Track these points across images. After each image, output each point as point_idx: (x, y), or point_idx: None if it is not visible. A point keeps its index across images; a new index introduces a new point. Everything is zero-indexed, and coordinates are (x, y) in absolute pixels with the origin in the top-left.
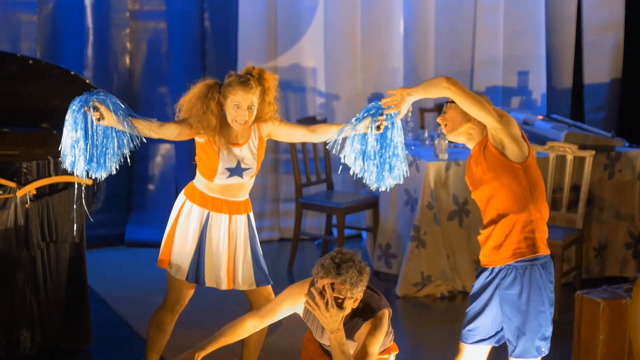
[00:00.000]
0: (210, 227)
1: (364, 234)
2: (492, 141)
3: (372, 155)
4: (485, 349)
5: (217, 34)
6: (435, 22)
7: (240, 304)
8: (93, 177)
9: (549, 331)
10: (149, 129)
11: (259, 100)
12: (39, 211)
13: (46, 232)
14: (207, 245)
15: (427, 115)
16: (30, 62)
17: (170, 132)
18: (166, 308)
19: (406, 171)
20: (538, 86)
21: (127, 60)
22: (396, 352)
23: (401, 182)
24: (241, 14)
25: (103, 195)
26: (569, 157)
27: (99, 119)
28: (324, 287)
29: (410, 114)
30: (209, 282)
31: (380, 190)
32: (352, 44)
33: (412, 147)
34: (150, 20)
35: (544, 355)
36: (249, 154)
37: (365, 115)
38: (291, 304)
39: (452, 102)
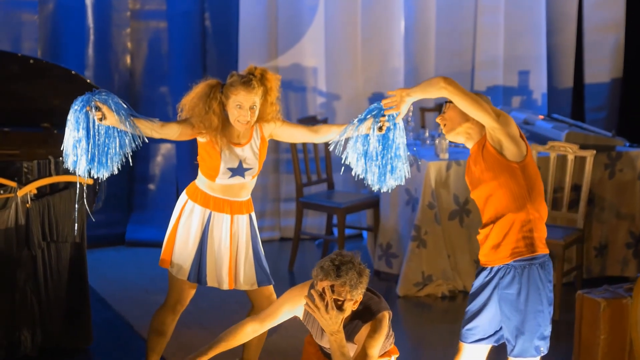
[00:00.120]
0: (212, 227)
1: (365, 233)
2: (490, 141)
3: (374, 156)
4: (485, 348)
5: (217, 33)
6: (436, 22)
7: (241, 303)
8: (95, 177)
9: (548, 330)
10: (150, 129)
11: (261, 100)
12: (40, 211)
13: (47, 231)
14: (208, 245)
15: (427, 115)
16: (31, 61)
17: (172, 132)
18: (167, 308)
19: (408, 172)
20: (539, 86)
21: (128, 59)
22: (397, 355)
23: (403, 184)
24: (242, 14)
25: (104, 195)
26: (570, 157)
27: (101, 119)
28: (323, 289)
29: (411, 114)
30: (210, 282)
31: (382, 191)
32: (353, 43)
33: (414, 149)
34: (151, 19)
35: (543, 354)
36: (251, 154)
37: (367, 116)
38: (291, 306)
39: (451, 102)
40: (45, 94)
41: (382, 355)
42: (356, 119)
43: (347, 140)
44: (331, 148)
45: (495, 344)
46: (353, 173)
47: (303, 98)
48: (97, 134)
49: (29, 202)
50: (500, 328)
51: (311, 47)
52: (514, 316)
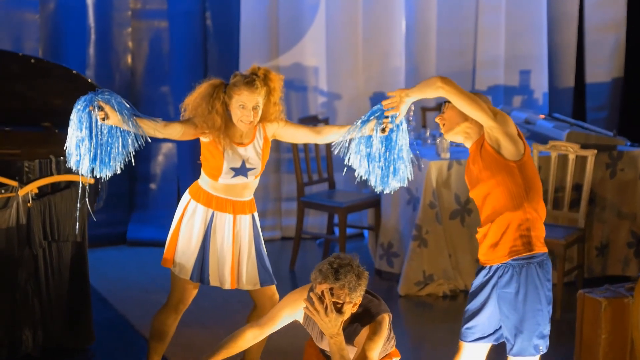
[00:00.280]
0: (214, 227)
1: (366, 233)
2: (488, 140)
3: (376, 158)
4: (485, 347)
5: (219, 33)
6: (437, 22)
7: (243, 303)
8: (98, 176)
9: (547, 329)
10: (153, 128)
11: (265, 100)
12: (41, 210)
13: (48, 231)
14: (211, 245)
15: (429, 115)
16: (32, 61)
17: (175, 131)
18: (169, 307)
19: (411, 174)
20: (540, 85)
21: (129, 59)
22: (398, 358)
23: (405, 185)
24: (243, 13)
25: (105, 195)
26: (571, 157)
27: (103, 119)
28: (322, 292)
29: (412, 113)
30: (213, 282)
31: (384, 192)
32: (354, 43)
33: (417, 152)
34: (152, 19)
35: (542, 353)
36: (253, 154)
37: (370, 117)
38: (291, 310)
39: (450, 101)
40: (47, 93)
41: (383, 358)
42: (359, 120)
43: (350, 141)
44: (334, 150)
45: (495, 343)
46: (356, 174)
47: (304, 98)
48: (100, 133)
49: (30, 202)
50: (500, 327)
51: (312, 46)
52: (513, 315)
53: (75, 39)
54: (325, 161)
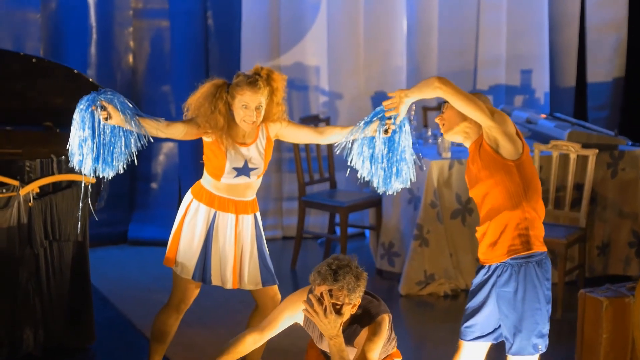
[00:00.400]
0: (217, 227)
1: (367, 232)
2: (486, 139)
3: (379, 159)
4: (484, 346)
5: (220, 32)
6: (439, 21)
7: (245, 303)
8: (100, 176)
9: (545, 328)
10: (156, 128)
11: (267, 100)
12: (42, 209)
13: (49, 230)
14: (213, 245)
15: (430, 114)
16: (34, 60)
17: (178, 131)
18: (171, 307)
19: (413, 175)
20: (541, 85)
21: (130, 58)
22: (399, 359)
23: (408, 186)
24: (244, 13)
25: (106, 194)
26: (572, 156)
27: (106, 118)
28: (321, 293)
29: (413, 113)
30: (215, 281)
31: (387, 194)
32: (355, 42)
33: (420, 154)
34: (154, 18)
35: (541, 352)
36: (256, 153)
37: (373, 118)
38: (291, 313)
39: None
40: (48, 93)
41: (384, 359)
42: (362, 122)
43: (352, 142)
44: (337, 150)
45: (494, 342)
46: (358, 175)
47: (305, 97)
48: (102, 133)
49: (32, 201)
50: (499, 326)
51: (313, 46)
52: (512, 314)
53: (76, 39)
54: (327, 161)
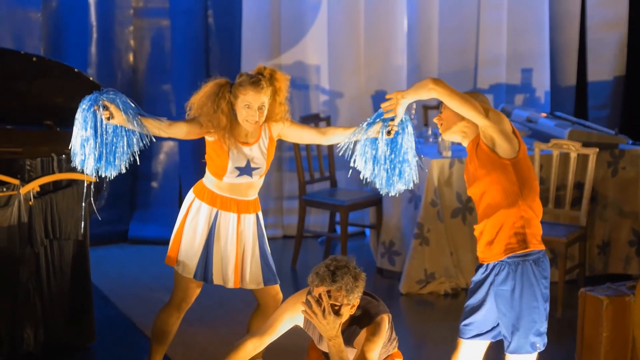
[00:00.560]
0: (218, 226)
1: (368, 231)
2: (483, 138)
3: (382, 160)
4: (483, 344)
5: (220, 31)
6: (439, 20)
7: (246, 302)
8: (102, 176)
9: (543, 327)
10: (158, 128)
11: (270, 100)
12: (43, 208)
13: (50, 229)
14: (215, 244)
15: (430, 113)
16: (34, 59)
17: (180, 131)
18: (172, 306)
19: (416, 176)
20: (542, 84)
21: (131, 57)
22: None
23: (411, 188)
24: (245, 12)
25: (107, 193)
26: (573, 155)
27: (108, 118)
28: (320, 295)
29: (414, 112)
30: (216, 281)
31: (390, 195)
32: (356, 41)
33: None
34: (154, 17)
35: (539, 350)
36: (259, 153)
37: (376, 119)
38: (291, 315)
39: None
40: (48, 91)
41: (385, 359)
42: (365, 123)
43: (355, 143)
44: (339, 151)
45: (493, 340)
46: (361, 176)
47: (306, 96)
48: (104, 133)
49: (32, 200)
50: (498, 324)
51: (314, 45)
52: (510, 312)
53: (77, 37)
54: (327, 160)
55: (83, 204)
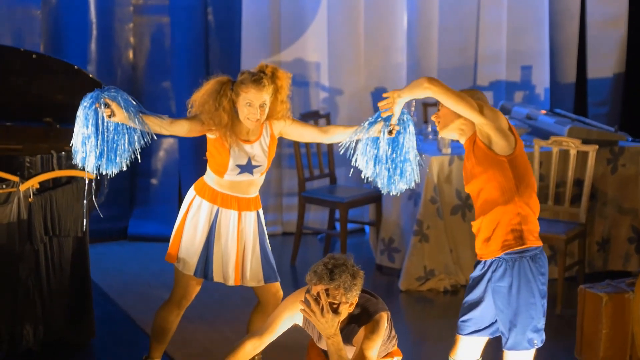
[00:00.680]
0: (219, 223)
1: (367, 228)
2: (479, 136)
3: (383, 159)
4: (481, 340)
5: (220, 28)
6: (439, 17)
7: (245, 298)
8: (104, 173)
9: (541, 323)
10: (159, 125)
11: (272, 98)
12: (42, 205)
13: (49, 226)
14: (215, 241)
15: (430, 110)
16: (34, 56)
17: (182, 128)
18: (172, 303)
19: (417, 176)
20: (541, 81)
21: (131, 54)
22: (400, 357)
23: (413, 187)
24: (245, 8)
25: (106, 190)
26: (572, 152)
27: (110, 116)
28: (318, 293)
29: (413, 109)
30: (217, 278)
31: (391, 194)
32: (356, 38)
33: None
34: (154, 14)
35: (537, 347)
36: (260, 151)
37: (377, 119)
38: (290, 313)
39: None
40: (48, 88)
41: (384, 357)
42: (366, 122)
43: (357, 142)
44: (341, 150)
45: (491, 337)
46: (362, 175)
47: (306, 93)
48: (106, 130)
49: (32, 197)
50: (496, 321)
51: (314, 42)
52: (507, 309)
53: (76, 35)
54: (327, 156)
55: (85, 201)
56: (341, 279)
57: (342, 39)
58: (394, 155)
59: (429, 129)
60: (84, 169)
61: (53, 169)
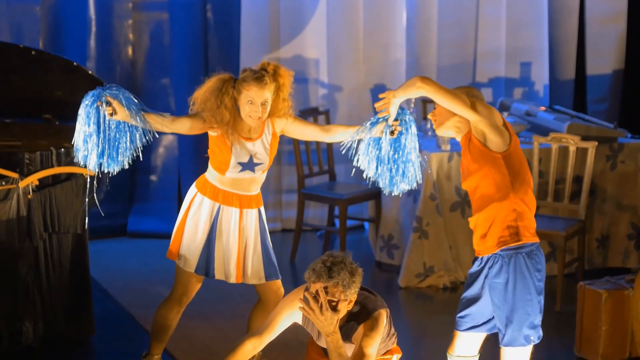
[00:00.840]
0: (220, 221)
1: (367, 225)
2: (474, 133)
3: (385, 160)
4: (479, 336)
5: (219, 25)
6: (438, 14)
7: (245, 296)
8: (105, 171)
9: (537, 319)
10: (161, 123)
11: (274, 96)
12: (42, 202)
13: (49, 222)
14: (217, 238)
15: (429, 107)
16: (33, 53)
17: (183, 126)
18: (173, 300)
19: (419, 176)
20: (541, 77)
21: (130, 51)
22: (399, 355)
23: (414, 188)
24: (244, 5)
25: (106, 186)
26: (572, 148)
27: (111, 114)
28: (317, 291)
29: (412, 105)
30: (218, 275)
31: (393, 194)
32: (355, 35)
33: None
34: (153, 11)
35: (533, 343)
36: (261, 148)
37: (379, 119)
38: (289, 312)
39: None
40: (47, 85)
41: (384, 354)
42: (368, 122)
43: (358, 142)
44: (342, 150)
45: (489, 332)
46: (364, 175)
47: (305, 89)
48: (107, 128)
49: (31, 194)
50: (493, 317)
51: (313, 38)
52: (503, 305)
53: (76, 31)
54: (326, 153)
55: (87, 198)
56: (340, 276)
57: (341, 36)
58: (396, 156)
59: (428, 125)
60: (85, 167)
61: (52, 166)
